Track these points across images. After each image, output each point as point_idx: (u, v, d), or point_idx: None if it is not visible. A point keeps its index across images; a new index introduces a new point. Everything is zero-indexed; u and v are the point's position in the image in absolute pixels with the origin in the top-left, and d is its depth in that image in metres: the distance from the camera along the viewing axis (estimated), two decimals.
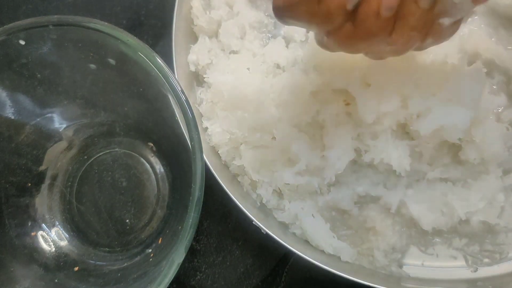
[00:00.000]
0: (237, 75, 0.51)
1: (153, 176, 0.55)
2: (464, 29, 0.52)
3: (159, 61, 0.42)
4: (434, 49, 0.50)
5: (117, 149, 0.57)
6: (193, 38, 0.56)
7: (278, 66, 0.54)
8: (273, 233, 0.47)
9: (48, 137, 0.52)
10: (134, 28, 0.60)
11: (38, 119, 0.51)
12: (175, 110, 0.43)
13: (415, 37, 0.33)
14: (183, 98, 0.41)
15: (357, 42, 0.34)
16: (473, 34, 0.51)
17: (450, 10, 0.32)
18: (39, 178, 0.54)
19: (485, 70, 0.46)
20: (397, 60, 0.48)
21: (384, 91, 0.46)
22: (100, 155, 0.56)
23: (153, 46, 0.60)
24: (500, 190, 0.49)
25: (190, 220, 0.40)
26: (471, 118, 0.45)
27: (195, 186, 0.40)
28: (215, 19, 0.55)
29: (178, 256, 0.39)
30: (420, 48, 0.36)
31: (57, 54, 0.47)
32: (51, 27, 0.42)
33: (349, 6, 0.32)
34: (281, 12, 0.35)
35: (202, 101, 0.54)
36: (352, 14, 0.33)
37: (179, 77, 0.52)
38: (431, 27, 0.33)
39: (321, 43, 0.38)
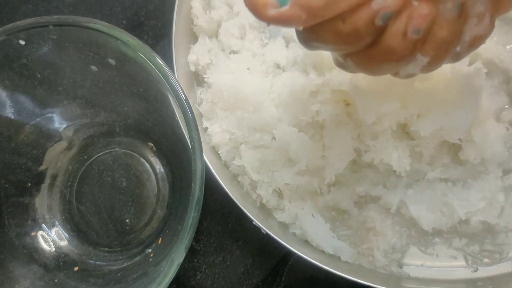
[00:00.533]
0: (237, 75, 0.51)
1: (153, 176, 0.56)
2: None
3: (159, 61, 0.42)
4: None
5: (117, 149, 0.57)
6: (193, 38, 0.56)
7: (278, 66, 0.54)
8: (273, 233, 0.47)
9: (48, 137, 0.52)
10: (134, 28, 0.60)
11: (38, 119, 0.51)
12: (175, 110, 0.43)
13: (444, 51, 0.31)
14: (183, 98, 0.41)
15: (379, 64, 0.31)
16: None
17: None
18: (39, 178, 0.54)
19: (485, 70, 0.46)
20: None
21: (383, 92, 0.46)
22: (100, 155, 0.56)
23: (153, 46, 0.60)
24: (500, 190, 0.49)
25: (190, 220, 0.40)
26: (472, 118, 0.45)
27: (195, 186, 0.40)
28: (215, 19, 0.55)
29: (178, 256, 0.39)
30: (454, 60, 0.33)
31: (57, 54, 0.47)
32: (51, 27, 0.43)
33: (378, 22, 0.29)
34: (305, 36, 0.32)
35: (202, 101, 0.54)
36: (380, 33, 0.30)
37: (179, 77, 0.52)
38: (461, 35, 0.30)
39: (340, 65, 0.35)
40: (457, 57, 0.32)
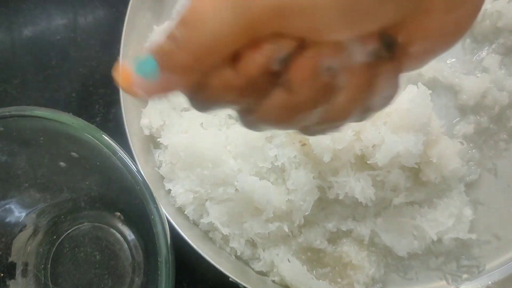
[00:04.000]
0: (191, 133, 0.51)
1: (126, 245, 0.55)
2: None
3: (106, 138, 0.42)
4: None
5: (85, 224, 0.56)
6: (143, 101, 0.56)
7: (230, 117, 0.54)
8: (251, 286, 0.47)
9: (11, 227, 0.51)
10: (85, 99, 0.60)
11: None
12: (132, 182, 0.43)
13: (358, 105, 0.27)
14: (135, 173, 0.42)
15: (295, 113, 0.26)
16: None
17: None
18: (11, 266, 0.53)
19: (430, 91, 0.47)
20: None
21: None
22: (69, 233, 0.56)
23: (106, 114, 0.60)
24: (466, 204, 0.49)
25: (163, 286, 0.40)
26: (424, 141, 0.45)
27: (161, 259, 0.40)
28: None
29: None
30: (359, 118, 0.29)
31: (7, 146, 0.47)
32: None
33: (274, 65, 0.24)
34: (196, 99, 0.27)
35: (161, 163, 0.54)
36: (278, 80, 0.25)
37: (134, 143, 0.52)
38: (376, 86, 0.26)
39: (248, 124, 0.29)
40: (365, 112, 0.28)
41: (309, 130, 0.30)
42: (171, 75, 0.25)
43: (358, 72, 0.25)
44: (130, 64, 0.25)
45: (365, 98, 0.27)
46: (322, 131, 0.30)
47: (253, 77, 0.25)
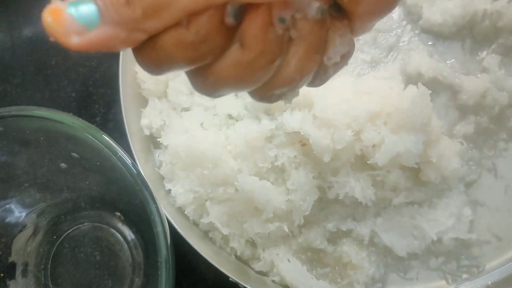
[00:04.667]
0: (191, 134, 0.51)
1: (126, 245, 0.55)
2: (403, 53, 0.53)
3: (106, 138, 0.42)
4: (377, 76, 0.51)
5: (85, 223, 0.56)
6: (143, 101, 0.56)
7: (230, 117, 0.54)
8: (251, 286, 0.47)
9: (11, 227, 0.51)
10: (84, 99, 0.60)
11: None
12: (132, 181, 0.43)
13: (314, 52, 0.26)
14: (135, 173, 0.42)
15: (251, 70, 0.25)
16: (413, 55, 0.52)
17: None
18: (11, 266, 0.53)
19: (429, 91, 0.47)
20: (344, 93, 0.49)
21: (335, 127, 0.47)
22: (69, 233, 0.56)
23: (106, 114, 0.60)
24: (466, 204, 0.49)
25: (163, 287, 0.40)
26: (424, 141, 0.45)
27: (161, 260, 0.40)
28: (161, 80, 0.55)
29: None
30: (322, 76, 0.28)
31: (7, 146, 0.47)
32: None
33: (229, 19, 0.24)
34: (145, 59, 0.25)
35: (162, 164, 0.54)
36: (234, 36, 0.25)
37: (134, 143, 0.52)
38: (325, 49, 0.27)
39: (205, 87, 0.27)
40: (324, 72, 0.28)
41: (268, 96, 0.29)
42: (114, 29, 0.22)
43: (310, 26, 0.25)
44: (65, 5, 0.22)
45: (319, 52, 0.26)
46: (281, 95, 0.29)
47: (206, 33, 0.23)
